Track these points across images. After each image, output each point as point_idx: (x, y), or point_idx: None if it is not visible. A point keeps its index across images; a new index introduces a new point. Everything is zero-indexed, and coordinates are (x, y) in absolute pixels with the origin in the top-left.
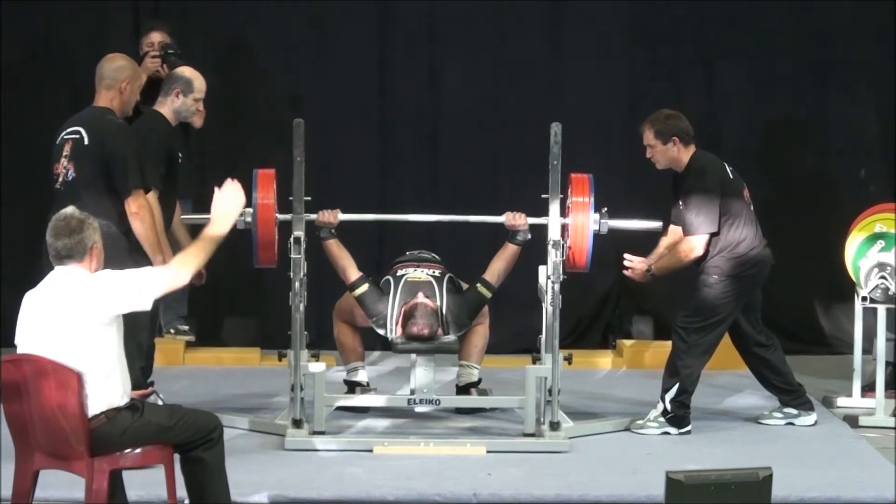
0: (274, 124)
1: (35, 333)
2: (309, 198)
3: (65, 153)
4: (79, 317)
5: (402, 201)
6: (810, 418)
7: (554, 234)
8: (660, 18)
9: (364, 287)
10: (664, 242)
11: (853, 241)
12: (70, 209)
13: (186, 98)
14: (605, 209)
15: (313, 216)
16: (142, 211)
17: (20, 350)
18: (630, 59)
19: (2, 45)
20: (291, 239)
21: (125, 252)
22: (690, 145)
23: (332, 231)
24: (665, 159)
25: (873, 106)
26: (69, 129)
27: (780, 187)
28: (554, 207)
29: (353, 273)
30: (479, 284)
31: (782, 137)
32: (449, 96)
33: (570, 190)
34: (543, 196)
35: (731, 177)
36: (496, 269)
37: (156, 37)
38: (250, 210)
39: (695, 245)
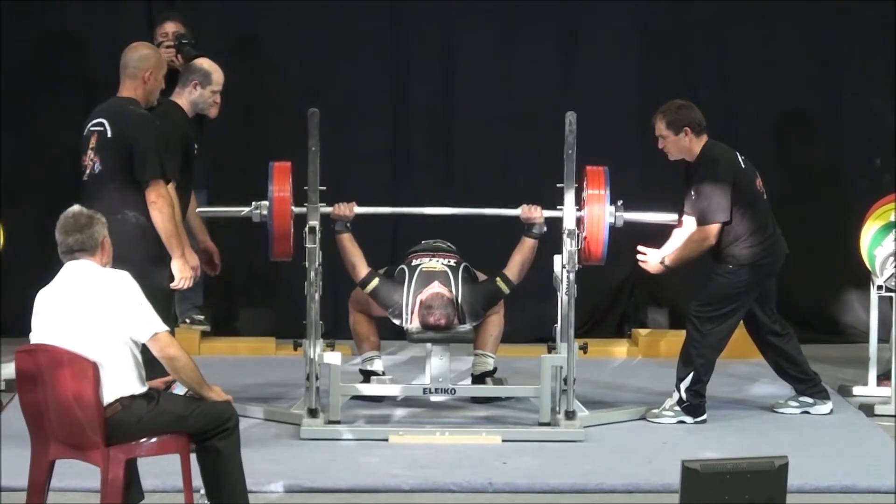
0: (288, 116)
1: (50, 326)
2: (324, 188)
3: (91, 145)
4: (93, 307)
5: (416, 192)
6: (826, 407)
7: (569, 223)
8: (673, 11)
9: (375, 282)
10: (677, 233)
11: (868, 231)
12: (77, 207)
13: (204, 90)
14: (621, 202)
15: (329, 209)
16: (160, 201)
17: (35, 342)
18: (643, 51)
19: (16, 39)
20: (307, 228)
21: (153, 242)
22: (702, 135)
23: (347, 225)
24: (677, 149)
25: (888, 95)
26: (94, 121)
27: (795, 178)
28: (569, 197)
29: (362, 270)
30: (498, 279)
31: (797, 128)
32: (463, 88)
33: (585, 182)
34: (559, 185)
35: (744, 166)
36: (516, 265)
37: (170, 27)
38: (266, 203)
39: (707, 234)
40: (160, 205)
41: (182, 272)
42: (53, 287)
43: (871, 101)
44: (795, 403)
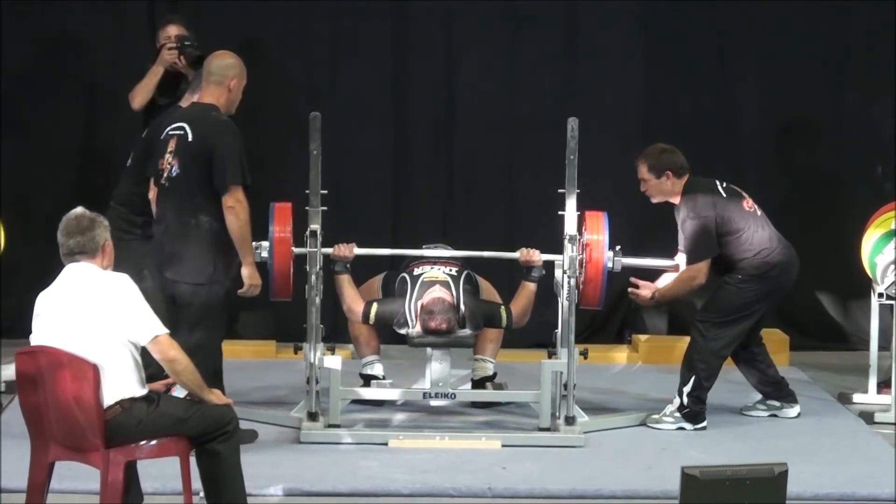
0: (290, 118)
1: (50, 328)
2: (325, 191)
3: (169, 149)
4: (93, 310)
5: (416, 198)
6: (793, 410)
7: (570, 229)
8: (675, 16)
9: (374, 308)
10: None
11: (870, 238)
12: (79, 209)
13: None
14: (619, 247)
15: (329, 250)
16: (238, 206)
17: (35, 344)
18: (646, 55)
19: (17, 40)
20: (308, 232)
21: (223, 250)
22: (684, 177)
23: (347, 266)
24: (659, 193)
25: (889, 104)
26: (174, 126)
27: (796, 185)
28: (570, 202)
29: (359, 306)
30: (503, 308)
31: (798, 135)
32: (465, 90)
33: (584, 227)
34: (560, 191)
35: (725, 195)
36: (520, 309)
37: (173, 30)
38: (266, 244)
39: (695, 273)
40: (238, 210)
41: (252, 279)
42: (54, 289)
43: (872, 109)
44: (763, 406)
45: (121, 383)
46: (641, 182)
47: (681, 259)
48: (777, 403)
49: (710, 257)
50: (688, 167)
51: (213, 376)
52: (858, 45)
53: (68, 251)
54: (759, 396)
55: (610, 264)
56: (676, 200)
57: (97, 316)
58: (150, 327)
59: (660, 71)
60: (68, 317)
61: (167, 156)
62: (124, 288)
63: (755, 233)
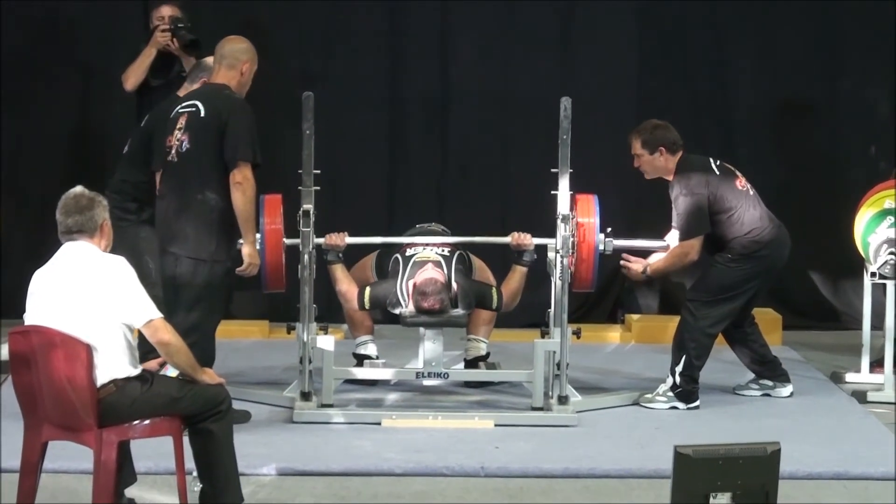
0: (284, 100)
1: (45, 307)
2: (318, 171)
3: (178, 126)
4: (88, 290)
5: (410, 181)
6: (786, 390)
7: (563, 209)
8: None
9: (368, 292)
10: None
11: (862, 218)
12: (79, 188)
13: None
14: (610, 229)
15: (321, 240)
16: (246, 183)
17: (29, 323)
18: (641, 39)
19: (10, 24)
20: (301, 212)
21: (228, 228)
22: (678, 153)
23: (339, 255)
24: (652, 169)
25: (883, 84)
26: (185, 104)
27: (790, 165)
28: (563, 182)
29: (353, 291)
30: (494, 290)
31: (792, 116)
32: (460, 72)
33: (575, 210)
34: (553, 171)
35: (718, 172)
36: (510, 292)
37: (166, 10)
38: (258, 236)
39: (688, 250)
40: (245, 187)
41: (251, 258)
42: (49, 268)
43: (866, 90)
44: (756, 386)
45: (114, 363)
46: (635, 157)
47: (673, 236)
48: (770, 383)
49: (703, 234)
50: (681, 143)
51: (209, 358)
52: (853, 26)
53: (66, 229)
54: (751, 376)
55: (601, 247)
56: (670, 177)
57: (92, 296)
58: (144, 310)
59: (655, 51)
60: (63, 296)
61: (176, 132)
62: (120, 270)
63: (746, 212)
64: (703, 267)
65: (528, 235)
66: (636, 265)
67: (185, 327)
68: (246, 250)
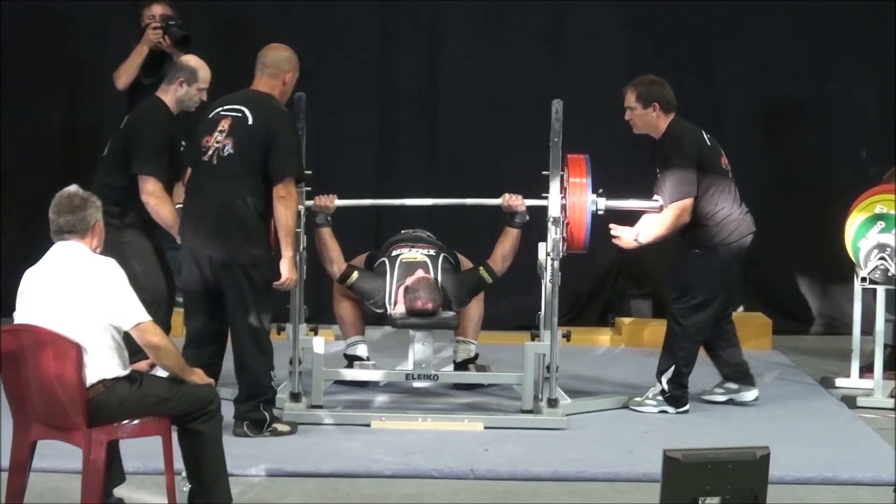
0: None
1: (35, 306)
2: (309, 171)
3: (220, 128)
4: (78, 291)
5: (401, 176)
6: (751, 394)
7: (554, 211)
8: None
9: (354, 275)
10: (651, 216)
11: (853, 222)
12: (73, 188)
13: (190, 87)
14: (602, 190)
15: (310, 202)
16: (289, 198)
17: (18, 322)
18: (631, 38)
19: (3, 19)
20: None
21: (266, 235)
22: (671, 113)
23: (328, 219)
24: (643, 123)
25: (874, 87)
26: (227, 106)
27: (781, 169)
28: (554, 185)
29: (341, 265)
30: (481, 268)
31: (783, 119)
32: (449, 72)
33: (566, 170)
34: (544, 173)
35: (709, 144)
36: (499, 255)
37: (157, 9)
38: None
39: (680, 211)
40: (289, 202)
41: (290, 272)
42: (40, 267)
43: (857, 93)
44: (721, 390)
45: (103, 364)
46: (627, 110)
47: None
48: (734, 386)
49: (692, 197)
50: (675, 104)
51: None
52: (843, 29)
53: (58, 229)
54: (719, 379)
55: (594, 207)
56: (657, 135)
57: (81, 297)
58: (133, 313)
59: (645, 51)
60: (53, 296)
61: (216, 134)
62: (110, 272)
63: (722, 192)
64: (677, 270)
65: (520, 197)
66: (627, 234)
67: (251, 334)
68: (285, 265)
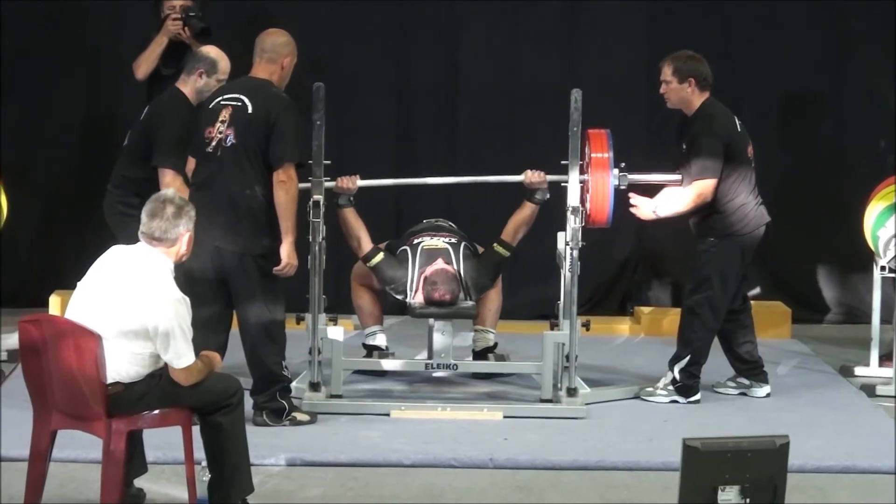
0: (294, 89)
1: (90, 299)
2: (329, 161)
3: (221, 118)
4: (137, 308)
5: (420, 166)
6: (762, 391)
7: (573, 200)
8: None
9: (379, 257)
10: (671, 189)
11: (872, 211)
12: (171, 192)
13: (210, 78)
14: (623, 164)
15: (332, 183)
16: (289, 182)
17: (72, 306)
18: (648, 29)
19: (20, 12)
20: (311, 203)
21: (275, 223)
22: (706, 91)
23: (351, 199)
24: (677, 98)
25: (892, 77)
26: (228, 96)
27: (799, 158)
28: (573, 174)
29: (367, 244)
30: (495, 245)
31: (801, 109)
32: (468, 63)
33: (588, 147)
34: (563, 162)
35: (740, 130)
36: (512, 228)
37: (177, 0)
38: None
39: (702, 190)
40: (289, 186)
41: (291, 258)
42: (119, 255)
43: (876, 83)
44: (733, 384)
45: (122, 371)
46: (662, 83)
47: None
48: (746, 382)
49: (716, 178)
50: (711, 83)
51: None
52: (861, 19)
53: (148, 231)
54: (732, 373)
55: (615, 181)
56: (690, 111)
57: (138, 315)
58: (184, 356)
59: (662, 42)
60: (113, 295)
61: (218, 124)
62: (178, 310)
63: (743, 181)
64: (693, 262)
65: (542, 174)
66: (645, 205)
67: (265, 325)
68: (285, 249)
